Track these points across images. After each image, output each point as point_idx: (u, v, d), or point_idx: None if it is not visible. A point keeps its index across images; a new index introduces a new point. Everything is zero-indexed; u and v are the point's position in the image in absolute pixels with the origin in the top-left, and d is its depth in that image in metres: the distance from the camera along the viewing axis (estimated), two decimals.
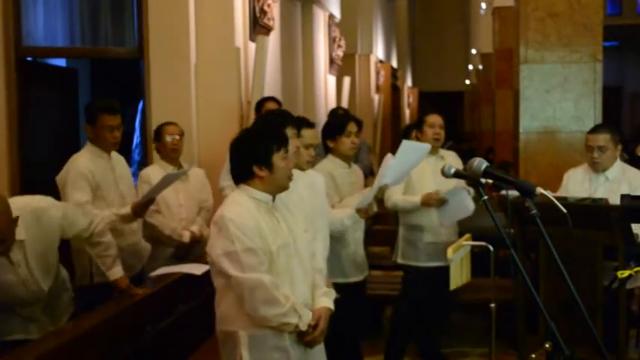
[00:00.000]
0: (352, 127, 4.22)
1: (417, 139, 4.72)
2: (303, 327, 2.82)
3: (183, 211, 4.67)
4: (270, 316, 2.76)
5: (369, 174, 7.10)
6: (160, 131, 4.71)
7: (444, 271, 4.78)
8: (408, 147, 3.91)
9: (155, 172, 4.59)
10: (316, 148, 3.76)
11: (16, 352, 2.76)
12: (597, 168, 4.41)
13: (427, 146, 4.11)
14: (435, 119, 4.68)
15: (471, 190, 4.59)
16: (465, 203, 4.56)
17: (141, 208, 4.03)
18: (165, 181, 4.08)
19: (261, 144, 2.86)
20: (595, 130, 4.47)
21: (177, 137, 4.68)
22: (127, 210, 4.02)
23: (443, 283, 4.85)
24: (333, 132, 4.22)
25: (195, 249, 4.64)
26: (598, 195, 4.31)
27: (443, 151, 4.83)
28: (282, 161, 2.86)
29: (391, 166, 3.83)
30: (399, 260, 4.83)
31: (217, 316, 2.90)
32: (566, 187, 4.57)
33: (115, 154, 4.25)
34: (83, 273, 4.02)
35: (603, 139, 4.37)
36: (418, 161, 4.09)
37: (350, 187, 4.21)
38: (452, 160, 4.70)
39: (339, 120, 4.39)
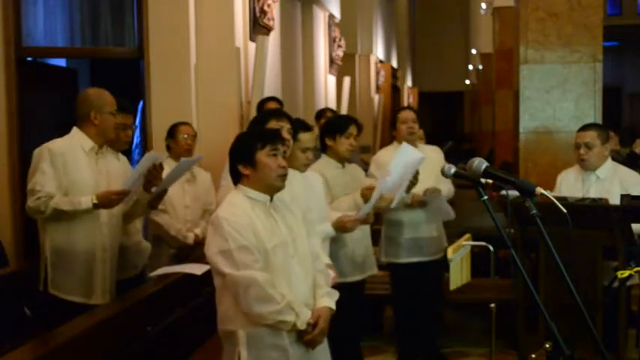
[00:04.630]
0: (353, 130, 4.22)
1: (393, 137, 4.86)
2: (301, 326, 2.79)
3: (189, 212, 4.72)
4: (265, 314, 2.74)
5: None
6: (174, 130, 4.82)
7: (424, 267, 4.83)
8: (407, 150, 3.96)
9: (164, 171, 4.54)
10: (314, 151, 3.75)
11: (17, 352, 2.76)
12: (585, 165, 4.41)
13: (422, 156, 4.09)
14: (406, 114, 4.83)
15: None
16: (443, 209, 4.72)
17: (154, 199, 4.00)
18: (179, 169, 4.05)
19: (244, 142, 2.88)
20: (583, 127, 4.51)
21: (192, 137, 4.83)
22: None
23: (425, 279, 4.88)
24: (334, 131, 4.20)
25: (195, 251, 4.64)
26: (591, 194, 4.31)
27: (422, 146, 4.88)
28: (269, 158, 2.83)
29: (389, 174, 3.84)
30: (382, 258, 4.87)
31: (218, 316, 2.90)
32: (559, 188, 4.57)
33: (119, 154, 4.25)
34: None
35: (590, 135, 4.39)
36: (413, 169, 4.06)
37: (343, 188, 4.17)
38: (432, 154, 4.77)
39: (341, 120, 4.37)
